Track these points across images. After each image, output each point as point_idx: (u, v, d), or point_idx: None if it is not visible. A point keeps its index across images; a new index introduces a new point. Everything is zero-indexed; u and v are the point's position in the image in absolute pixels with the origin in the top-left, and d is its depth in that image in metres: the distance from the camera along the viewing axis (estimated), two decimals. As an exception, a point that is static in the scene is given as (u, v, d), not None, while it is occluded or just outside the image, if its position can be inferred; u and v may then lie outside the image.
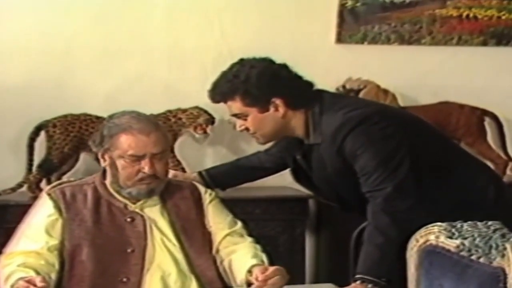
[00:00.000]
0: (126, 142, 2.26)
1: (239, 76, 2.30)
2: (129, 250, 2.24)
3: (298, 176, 2.52)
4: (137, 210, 2.31)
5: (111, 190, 2.32)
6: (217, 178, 2.63)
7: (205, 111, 3.34)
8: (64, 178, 3.11)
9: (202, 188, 2.44)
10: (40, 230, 2.24)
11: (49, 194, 2.32)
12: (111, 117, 2.36)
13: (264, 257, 2.26)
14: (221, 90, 2.34)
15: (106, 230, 2.27)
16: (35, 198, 2.66)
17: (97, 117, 3.31)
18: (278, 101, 2.31)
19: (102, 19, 3.42)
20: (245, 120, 2.34)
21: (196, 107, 3.36)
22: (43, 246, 2.21)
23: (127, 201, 2.31)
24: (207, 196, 2.41)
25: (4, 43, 3.35)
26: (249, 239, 2.36)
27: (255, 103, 2.31)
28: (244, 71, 2.31)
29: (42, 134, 3.28)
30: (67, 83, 3.41)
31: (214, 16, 3.51)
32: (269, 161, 2.66)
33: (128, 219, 2.29)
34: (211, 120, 3.35)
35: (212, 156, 3.48)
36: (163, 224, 2.31)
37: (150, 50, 3.47)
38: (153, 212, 2.33)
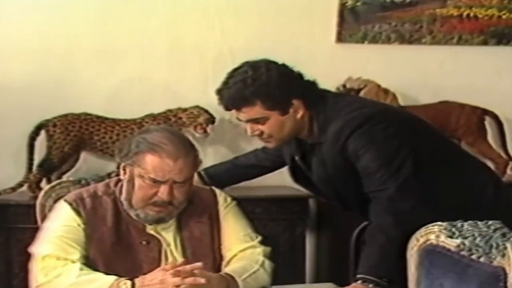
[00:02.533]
0: (151, 163, 2.13)
1: (259, 80, 2.24)
2: (140, 277, 2.13)
3: (297, 175, 2.51)
4: (153, 232, 2.22)
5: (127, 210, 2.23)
6: (215, 177, 2.62)
7: (206, 111, 3.34)
8: (64, 177, 3.11)
9: (221, 200, 2.32)
10: (72, 241, 2.17)
11: (70, 204, 2.22)
12: (144, 131, 2.26)
13: (248, 272, 2.17)
14: (241, 96, 2.25)
15: (121, 251, 2.18)
16: (35, 197, 2.66)
17: (98, 117, 3.32)
18: (297, 103, 2.28)
19: (103, 19, 3.43)
20: (263, 124, 2.29)
21: (197, 107, 3.36)
22: (79, 258, 2.15)
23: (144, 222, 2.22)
24: (222, 209, 2.30)
25: (5, 43, 3.35)
26: (254, 251, 2.26)
27: (277, 106, 2.26)
28: (261, 74, 2.25)
29: (43, 133, 3.28)
30: (68, 83, 3.41)
31: (214, 15, 3.51)
32: (267, 159, 2.65)
33: (144, 242, 2.20)
34: (211, 119, 3.35)
35: (212, 156, 3.47)
36: (176, 248, 2.23)
37: (150, 50, 3.47)
38: (168, 234, 2.23)
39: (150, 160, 2.14)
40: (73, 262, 2.14)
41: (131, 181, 2.18)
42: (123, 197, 2.22)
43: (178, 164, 2.13)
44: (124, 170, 2.22)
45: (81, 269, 2.13)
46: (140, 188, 2.16)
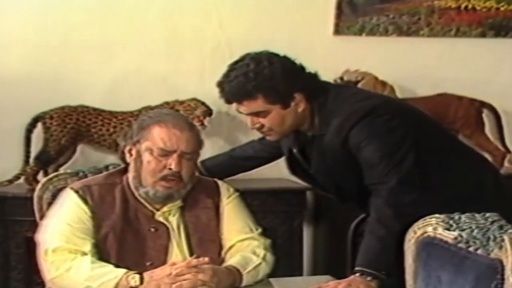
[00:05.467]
0: (158, 134, 2.18)
1: (261, 74, 2.22)
2: (147, 264, 2.16)
3: (294, 167, 2.51)
4: (161, 219, 2.23)
5: (136, 195, 2.23)
6: (212, 170, 2.61)
7: (203, 103, 3.33)
8: (61, 170, 3.10)
9: (223, 191, 2.34)
10: (80, 231, 2.18)
11: (76, 191, 2.22)
12: (146, 113, 2.31)
13: (251, 266, 2.19)
14: (243, 90, 2.23)
15: (130, 238, 2.19)
16: (32, 190, 2.66)
17: (94, 109, 3.31)
18: (299, 96, 2.27)
19: (100, 11, 3.41)
20: (264, 117, 2.28)
21: (194, 99, 3.35)
22: (89, 248, 2.16)
23: (153, 209, 2.23)
24: (224, 199, 2.31)
25: (1, 35, 3.34)
26: (254, 243, 2.27)
27: (279, 100, 2.25)
28: (264, 67, 2.23)
29: (39, 125, 3.27)
30: (65, 75, 3.40)
31: (212, 7, 3.50)
32: (263, 150, 2.65)
33: (152, 229, 2.21)
34: (208, 112, 3.34)
35: (210, 148, 3.44)
36: (179, 235, 2.24)
37: (147, 42, 3.46)
38: (174, 221, 2.25)
39: (157, 132, 2.19)
40: (83, 254, 2.15)
41: (138, 158, 2.21)
42: (131, 178, 2.23)
43: (185, 134, 2.19)
44: (130, 153, 2.24)
45: (92, 262, 2.13)
46: (149, 162, 2.19)
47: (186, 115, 3.30)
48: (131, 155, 2.25)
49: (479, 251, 1.86)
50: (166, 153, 2.18)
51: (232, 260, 2.22)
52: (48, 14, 3.38)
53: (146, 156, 2.19)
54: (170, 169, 2.18)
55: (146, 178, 2.20)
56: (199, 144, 2.26)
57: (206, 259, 2.10)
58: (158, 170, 2.18)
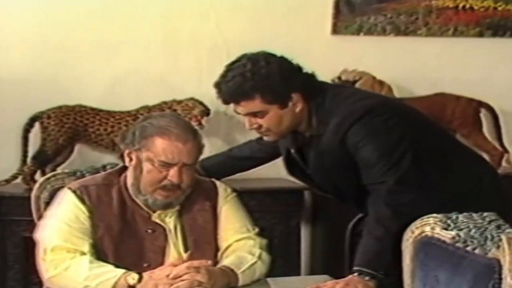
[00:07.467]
0: (160, 146, 2.16)
1: (258, 73, 2.22)
2: (145, 265, 2.16)
3: (291, 167, 2.51)
4: (158, 221, 2.23)
5: (133, 196, 2.23)
6: (210, 170, 2.61)
7: (200, 103, 3.33)
8: (59, 169, 3.09)
9: (221, 191, 2.33)
10: (78, 231, 2.18)
11: (74, 192, 2.22)
12: (148, 117, 2.27)
13: (246, 265, 2.19)
14: (240, 90, 2.24)
15: (128, 239, 2.19)
16: (29, 190, 2.65)
17: (92, 109, 3.31)
18: (297, 96, 2.27)
19: (98, 11, 3.41)
20: (262, 118, 2.28)
21: (191, 99, 3.35)
22: (88, 248, 2.16)
23: (149, 210, 2.23)
24: (222, 200, 2.31)
25: (0, 35, 3.33)
26: (250, 242, 2.27)
27: (276, 100, 2.25)
28: (261, 67, 2.23)
29: (37, 125, 3.26)
30: (63, 75, 3.40)
31: (209, 7, 3.50)
32: (261, 150, 2.64)
33: (149, 230, 2.21)
34: (206, 111, 3.34)
35: (208, 148, 3.40)
36: (176, 237, 2.24)
37: (145, 42, 3.46)
38: (171, 223, 2.25)
39: (160, 143, 2.16)
40: (82, 253, 2.15)
41: (138, 166, 2.20)
42: (129, 184, 2.23)
43: (187, 146, 2.17)
44: (130, 157, 2.23)
45: (90, 262, 2.13)
46: (149, 172, 2.18)
47: (183, 115, 3.32)
48: (130, 159, 2.23)
49: (476, 251, 1.86)
50: (167, 165, 2.17)
51: (226, 260, 2.22)
52: (46, 14, 3.37)
53: (146, 166, 2.19)
54: (170, 180, 2.17)
55: (145, 187, 2.20)
56: (200, 151, 2.26)
57: (210, 262, 2.12)
58: (157, 181, 2.18)
